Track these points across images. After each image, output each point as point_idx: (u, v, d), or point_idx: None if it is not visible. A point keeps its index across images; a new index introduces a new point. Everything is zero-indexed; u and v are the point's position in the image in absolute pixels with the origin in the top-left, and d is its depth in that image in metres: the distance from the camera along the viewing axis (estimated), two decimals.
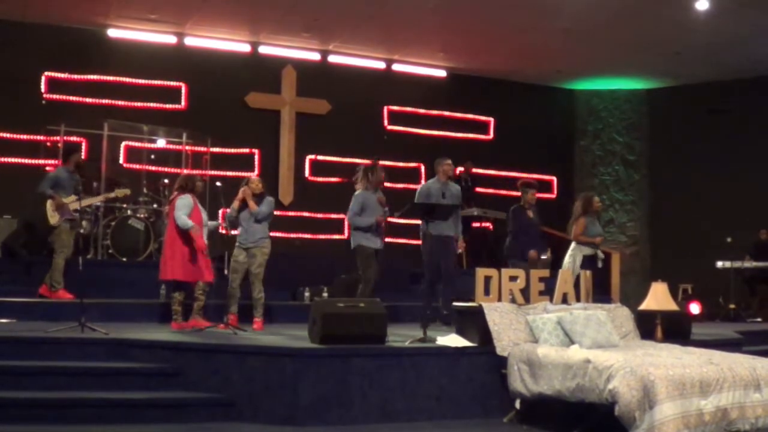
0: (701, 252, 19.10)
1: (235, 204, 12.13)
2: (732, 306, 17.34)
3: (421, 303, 12.37)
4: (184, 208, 11.58)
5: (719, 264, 18.03)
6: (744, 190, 20.33)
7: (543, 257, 14.02)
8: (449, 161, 13.25)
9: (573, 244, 13.80)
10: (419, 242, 13.13)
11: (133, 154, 17.42)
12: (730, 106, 20.84)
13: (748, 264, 17.78)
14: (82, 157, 14.49)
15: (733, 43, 18.22)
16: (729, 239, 17.70)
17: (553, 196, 21.68)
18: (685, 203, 21.06)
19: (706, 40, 18.01)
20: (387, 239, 17.54)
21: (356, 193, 12.61)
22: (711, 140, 21.13)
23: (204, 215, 11.95)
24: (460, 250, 13.62)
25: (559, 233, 15.02)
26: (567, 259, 13.77)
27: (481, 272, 10.41)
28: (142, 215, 15.55)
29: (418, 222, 12.27)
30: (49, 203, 13.40)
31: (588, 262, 13.44)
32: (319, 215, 18.83)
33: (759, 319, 16.69)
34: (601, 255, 13.80)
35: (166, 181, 16.51)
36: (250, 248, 12.04)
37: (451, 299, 12.10)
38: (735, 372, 8.03)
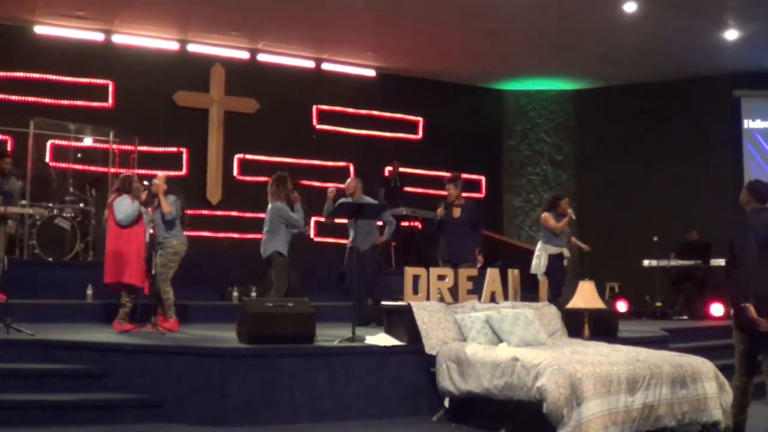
0: (628, 251, 19.25)
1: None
2: (658, 304, 17.50)
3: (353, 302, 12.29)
4: (131, 212, 11.48)
5: (646, 263, 18.18)
6: (670, 190, 20.61)
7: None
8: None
9: (539, 244, 13.71)
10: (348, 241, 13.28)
11: (59, 153, 17.16)
12: (657, 107, 21.09)
13: (674, 262, 17.96)
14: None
15: (659, 44, 18.44)
16: (655, 238, 17.84)
17: (482, 195, 21.79)
18: (612, 202, 21.25)
19: (634, 41, 18.22)
20: (316, 238, 17.63)
21: (279, 205, 12.06)
22: (638, 140, 21.40)
23: (143, 216, 11.80)
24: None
25: (497, 236, 14.90)
26: (534, 260, 13.63)
27: (409, 271, 10.46)
28: (68, 215, 15.33)
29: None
30: None
31: (555, 260, 13.42)
32: (248, 214, 18.64)
33: (685, 317, 16.85)
34: (567, 254, 13.76)
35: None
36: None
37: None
38: (662, 369, 8.13)
